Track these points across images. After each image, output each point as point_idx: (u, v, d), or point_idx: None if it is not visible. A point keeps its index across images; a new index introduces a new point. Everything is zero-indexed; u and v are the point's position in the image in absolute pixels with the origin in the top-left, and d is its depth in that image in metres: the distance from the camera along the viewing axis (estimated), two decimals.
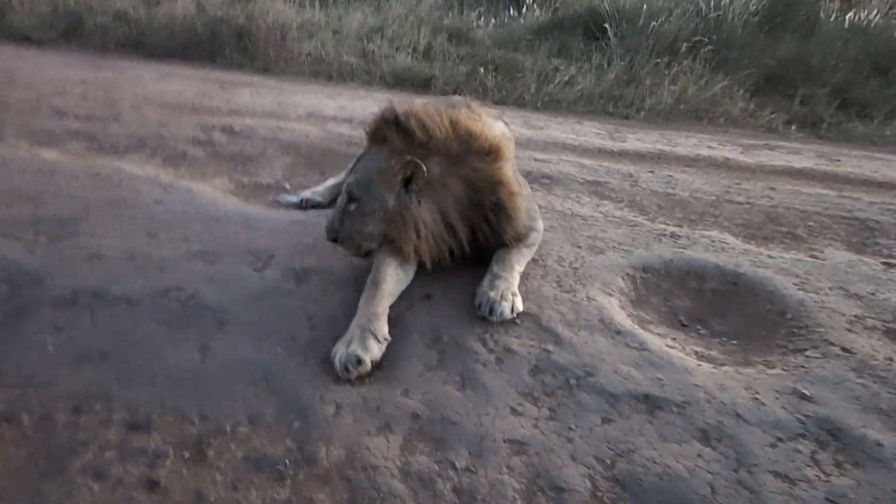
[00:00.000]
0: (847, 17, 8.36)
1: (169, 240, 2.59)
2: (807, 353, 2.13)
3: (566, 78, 6.99)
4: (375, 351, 1.90)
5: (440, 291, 2.32)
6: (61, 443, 1.58)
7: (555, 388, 1.88)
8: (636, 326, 2.22)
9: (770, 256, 2.79)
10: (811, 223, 3.33)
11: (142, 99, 4.87)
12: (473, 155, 2.19)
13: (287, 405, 1.74)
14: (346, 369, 1.83)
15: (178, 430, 1.64)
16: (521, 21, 9.19)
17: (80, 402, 1.72)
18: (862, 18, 8.40)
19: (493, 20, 9.32)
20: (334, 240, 2.26)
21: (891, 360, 2.08)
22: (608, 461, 1.62)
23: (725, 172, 4.18)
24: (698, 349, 2.19)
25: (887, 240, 3.18)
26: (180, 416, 1.69)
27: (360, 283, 2.31)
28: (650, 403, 1.82)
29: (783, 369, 2.04)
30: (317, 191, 3.18)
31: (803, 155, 4.95)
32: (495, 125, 2.40)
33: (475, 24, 9.07)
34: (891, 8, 8.71)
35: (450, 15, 9.58)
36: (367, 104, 5.34)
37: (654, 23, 7.97)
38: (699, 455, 1.65)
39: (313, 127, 4.30)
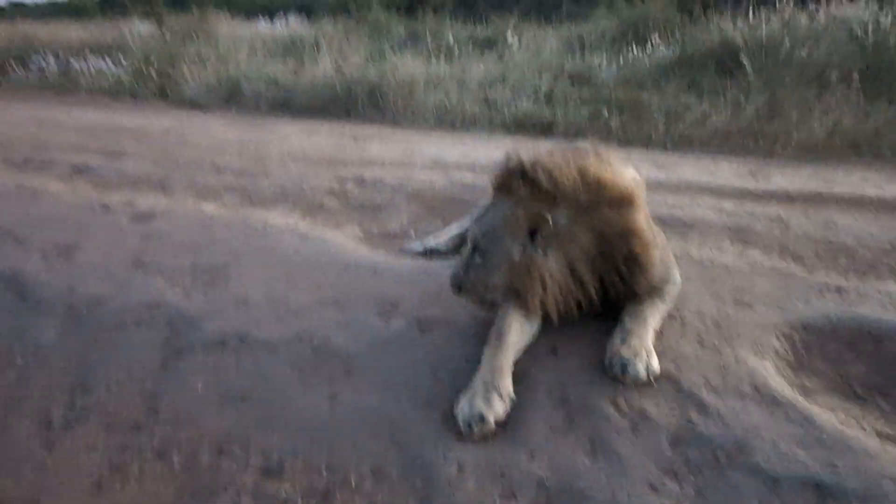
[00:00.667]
0: None
1: (304, 286, 2.74)
2: None
3: (697, 115, 6.60)
4: (499, 409, 1.82)
5: (567, 345, 2.20)
6: (204, 484, 1.67)
7: (700, 464, 1.67)
8: (798, 396, 1.93)
9: None
10: None
11: (286, 155, 5.35)
12: (603, 204, 2.09)
13: (410, 461, 1.71)
14: (470, 427, 1.77)
15: (307, 480, 1.67)
16: (646, 61, 8.93)
17: (222, 443, 1.82)
18: None
19: (616, 61, 9.15)
20: (459, 290, 2.25)
21: None
22: None
23: None
24: (881, 428, 1.84)
25: None
26: (309, 464, 1.72)
27: (483, 335, 2.27)
28: (822, 492, 1.55)
29: None
30: (440, 239, 3.22)
31: None
32: (626, 171, 2.28)
33: (598, 65, 8.96)
34: None
35: (571, 59, 9.58)
36: (489, 150, 5.42)
37: (798, 51, 7.36)
38: None
39: (437, 174, 4.42)
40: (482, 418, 1.77)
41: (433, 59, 9.27)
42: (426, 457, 1.72)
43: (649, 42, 9.46)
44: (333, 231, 3.50)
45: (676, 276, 2.37)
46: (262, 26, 14.95)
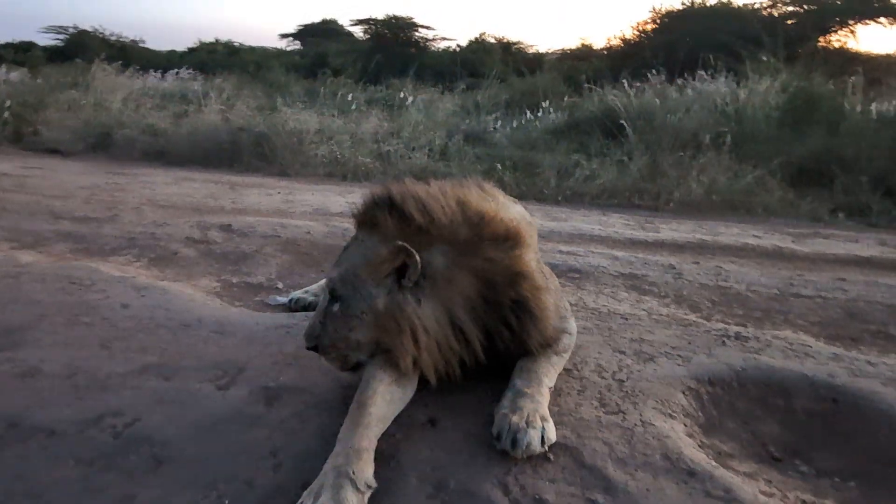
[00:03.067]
0: (872, 107, 8.20)
1: (123, 351, 2.15)
2: None
3: (587, 172, 6.74)
4: (346, 502, 1.35)
5: (447, 414, 1.79)
6: None
7: None
8: (714, 464, 1.64)
9: (870, 363, 2.21)
10: None
11: (146, 200, 4.69)
12: (486, 242, 1.76)
13: None
14: None
15: None
16: (538, 124, 9.24)
17: None
18: (889, 109, 8.23)
19: (510, 124, 9.38)
20: (315, 348, 1.80)
21: None
22: None
23: (781, 262, 3.66)
24: (807, 496, 1.58)
25: None
26: None
27: (347, 404, 1.81)
28: None
29: None
30: (309, 290, 2.76)
31: (863, 243, 4.43)
32: (512, 207, 1.99)
33: (492, 127, 9.12)
34: None
35: (466, 120, 9.71)
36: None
37: (671, 117, 7.90)
38: None
39: (317, 223, 3.98)
40: None
41: (326, 113, 8.98)
42: None
43: (540, 109, 9.86)
44: (183, 284, 2.92)
45: (572, 325, 2.07)
46: (152, 80, 14.06)
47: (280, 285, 3.02)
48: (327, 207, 4.55)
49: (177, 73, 15.50)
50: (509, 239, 1.79)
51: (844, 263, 3.72)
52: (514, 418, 1.61)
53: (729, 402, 2.00)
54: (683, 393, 1.98)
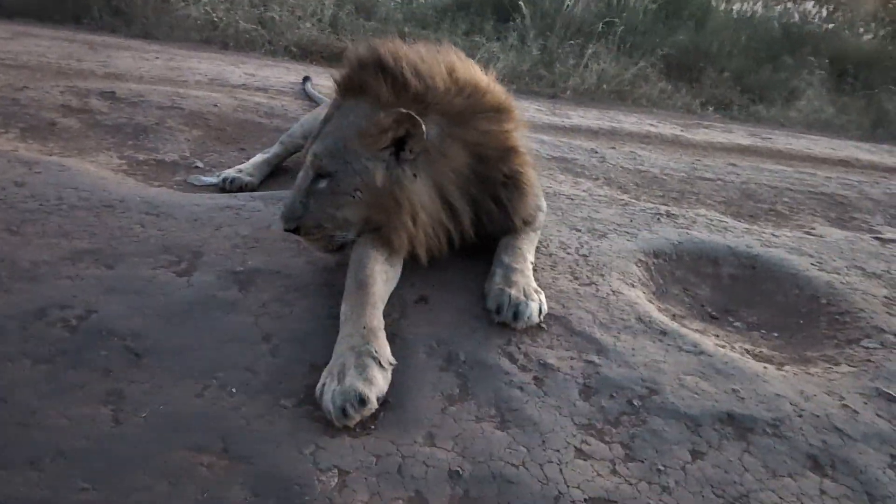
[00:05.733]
0: (734, 7, 8.77)
1: (39, 235, 1.82)
2: (863, 343, 1.86)
3: (486, 55, 6.60)
4: (381, 382, 1.34)
5: (436, 291, 1.79)
6: None
7: (618, 414, 1.44)
8: (676, 324, 1.84)
9: (774, 235, 2.55)
10: (786, 199, 3.18)
11: None
12: (480, 114, 1.68)
13: (265, 483, 1.14)
14: (345, 413, 1.26)
15: None
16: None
17: None
18: (746, 10, 8.85)
19: None
20: (295, 230, 1.65)
21: None
22: None
23: (682, 149, 3.99)
24: (747, 346, 1.85)
25: (862, 214, 3.10)
26: None
27: (330, 286, 1.74)
28: (738, 425, 1.44)
29: (851, 366, 1.75)
30: (243, 168, 2.50)
31: (737, 133, 4.94)
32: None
33: None
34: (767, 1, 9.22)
35: None
36: (278, 73, 4.60)
37: (567, 2, 7.86)
38: (823, 491, 1.28)
39: (222, 95, 3.52)
40: (362, 399, 1.27)
41: None
42: (288, 471, 1.17)
43: None
44: (78, 159, 2.48)
45: (544, 203, 2.12)
46: None
47: (200, 164, 2.69)
48: (225, 78, 4.02)
49: None
50: (502, 112, 1.73)
51: (730, 150, 4.14)
52: (513, 292, 1.65)
53: (671, 272, 2.22)
54: (636, 265, 2.16)
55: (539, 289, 1.73)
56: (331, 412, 1.26)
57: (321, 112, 2.64)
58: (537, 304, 1.65)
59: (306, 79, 3.82)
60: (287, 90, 3.75)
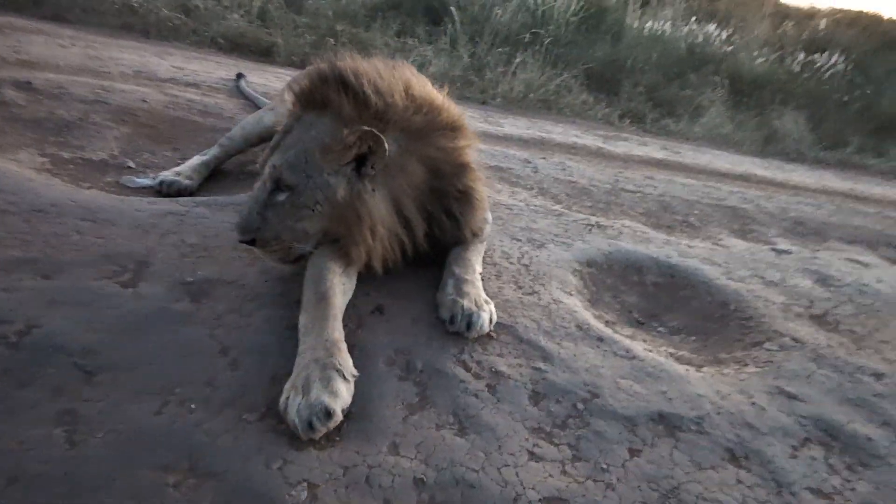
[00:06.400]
0: (646, 25, 9.35)
1: None
2: (765, 346, 2.11)
3: (418, 57, 6.68)
4: (345, 395, 1.39)
5: (391, 302, 1.84)
6: None
7: (565, 417, 1.56)
8: (610, 330, 2.01)
9: (689, 246, 2.81)
10: (696, 211, 3.49)
11: None
12: (437, 132, 1.75)
13: (234, 500, 1.16)
14: (311, 427, 1.29)
15: None
16: None
17: None
18: (657, 28, 9.47)
19: None
20: (251, 241, 1.65)
21: (832, 347, 2.15)
22: None
23: (605, 161, 4.25)
24: (671, 350, 2.05)
25: (759, 226, 3.46)
26: None
27: (285, 296, 1.75)
28: (668, 423, 1.61)
29: (756, 366, 1.98)
30: (181, 171, 2.42)
31: (651, 146, 5.32)
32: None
33: None
34: (677, 20, 9.90)
35: None
36: (209, 67, 4.44)
37: (497, 10, 8.08)
38: (739, 481, 1.47)
39: (150, 89, 3.36)
40: (328, 412, 1.31)
41: None
42: (259, 486, 1.19)
43: None
44: None
45: (489, 214, 2.22)
46: None
47: (131, 164, 2.57)
48: (152, 70, 3.83)
49: None
50: (456, 129, 1.81)
51: (647, 164, 4.46)
52: (466, 302, 1.74)
53: (602, 280, 2.40)
54: (572, 274, 2.32)
55: (488, 299, 1.83)
56: (297, 426, 1.29)
57: (264, 115, 2.62)
58: (488, 314, 1.75)
59: (240, 76, 3.71)
60: (220, 86, 3.63)
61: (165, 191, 2.30)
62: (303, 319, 1.55)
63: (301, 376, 1.38)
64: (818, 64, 8.96)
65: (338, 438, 1.35)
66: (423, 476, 1.30)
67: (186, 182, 2.36)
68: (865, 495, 1.50)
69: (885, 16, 11.61)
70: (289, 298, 1.74)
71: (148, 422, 1.29)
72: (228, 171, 2.68)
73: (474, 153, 1.91)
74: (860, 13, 11.70)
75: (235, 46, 6.07)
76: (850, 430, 1.72)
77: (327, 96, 1.60)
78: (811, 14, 11.73)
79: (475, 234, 2.01)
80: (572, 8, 8.97)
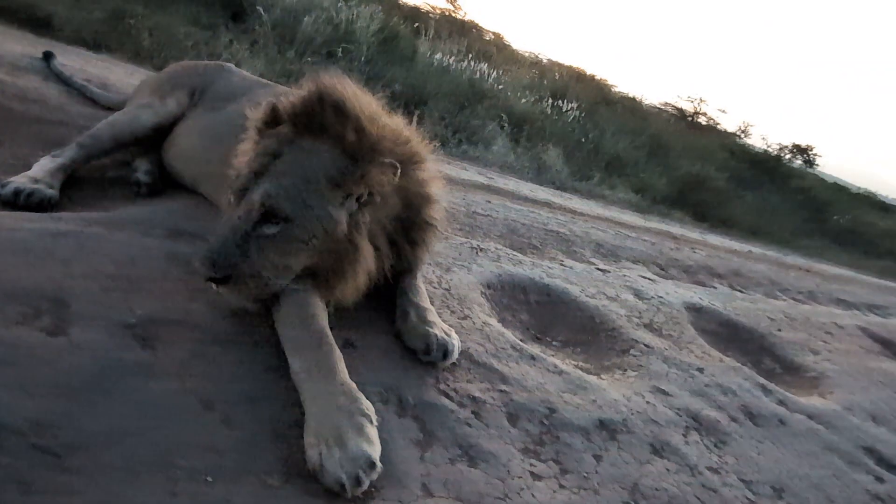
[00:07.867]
0: (435, 57, 10.13)
1: None
2: (631, 352, 2.59)
3: (237, 58, 6.16)
4: (377, 441, 1.33)
5: (357, 334, 1.78)
6: None
7: (539, 434, 1.74)
8: (536, 348, 2.24)
9: (549, 267, 3.23)
10: (534, 235, 3.98)
11: None
12: (414, 163, 1.77)
13: None
14: (358, 482, 1.23)
15: None
16: None
17: None
18: (444, 60, 10.31)
19: None
20: (223, 280, 1.44)
21: (667, 349, 2.73)
22: (633, 502, 1.62)
23: (451, 184, 4.50)
24: (572, 361, 2.37)
25: (578, 248, 4.11)
26: None
27: (248, 335, 1.57)
28: (608, 428, 1.90)
29: (633, 370, 2.42)
30: (38, 178, 1.91)
31: (470, 171, 5.82)
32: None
33: None
34: (457, 56, 10.83)
35: None
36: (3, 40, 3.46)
37: (307, 18, 7.88)
38: (668, 470, 1.82)
39: None
40: (371, 462, 1.25)
41: None
42: None
43: None
44: None
45: None
46: None
47: None
48: None
49: None
50: (423, 161, 1.84)
51: (479, 188, 4.90)
52: (437, 332, 1.79)
53: (500, 300, 2.64)
54: (481, 295, 2.50)
55: (448, 326, 1.90)
56: (344, 482, 1.21)
57: (140, 113, 2.26)
58: (456, 341, 1.82)
59: (49, 55, 3.00)
60: (28, 67, 2.87)
61: (23, 202, 1.80)
62: (299, 363, 1.43)
63: (328, 427, 1.29)
64: (563, 108, 10.76)
65: (373, 489, 1.30)
66: None
67: (49, 192, 1.87)
68: (734, 465, 2.00)
69: (588, 72, 14.42)
70: (252, 338, 1.57)
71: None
72: (84, 178, 2.19)
73: (440, 184, 1.94)
74: (582, 71, 14.38)
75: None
76: (705, 416, 2.24)
77: (326, 122, 1.50)
78: (536, 62, 14.00)
79: (422, 263, 2.05)
80: (371, 28, 9.21)
